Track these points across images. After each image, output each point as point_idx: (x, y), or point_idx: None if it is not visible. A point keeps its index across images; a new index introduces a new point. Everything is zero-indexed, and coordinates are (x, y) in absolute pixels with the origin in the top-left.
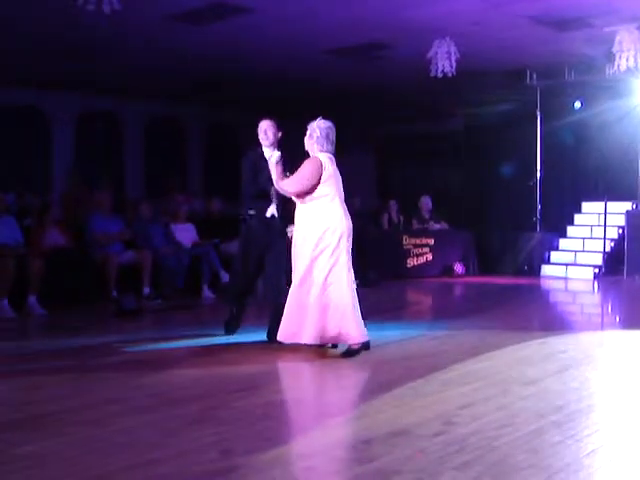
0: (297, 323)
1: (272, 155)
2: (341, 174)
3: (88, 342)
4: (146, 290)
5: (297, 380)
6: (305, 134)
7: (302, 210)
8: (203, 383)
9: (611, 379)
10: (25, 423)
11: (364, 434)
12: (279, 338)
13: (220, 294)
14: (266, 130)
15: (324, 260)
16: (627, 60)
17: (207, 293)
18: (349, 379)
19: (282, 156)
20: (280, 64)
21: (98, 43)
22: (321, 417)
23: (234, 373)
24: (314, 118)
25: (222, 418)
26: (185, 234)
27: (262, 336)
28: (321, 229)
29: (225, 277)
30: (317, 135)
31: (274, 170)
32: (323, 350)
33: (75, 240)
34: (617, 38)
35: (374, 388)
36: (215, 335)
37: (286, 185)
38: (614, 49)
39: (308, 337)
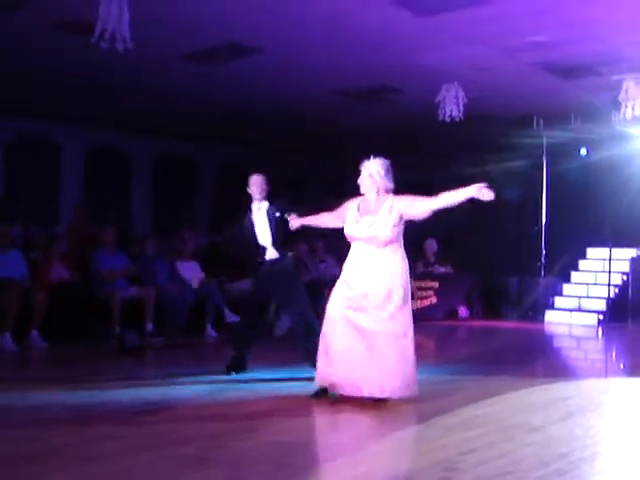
0: (410, 375)
1: None
2: None
3: (90, 378)
4: (149, 327)
5: (297, 422)
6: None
7: (389, 255)
8: (203, 423)
9: (616, 427)
10: (27, 459)
11: (365, 479)
12: (396, 396)
13: (224, 333)
14: (252, 185)
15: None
16: (633, 109)
17: (210, 332)
18: (350, 422)
19: (272, 208)
20: (288, 105)
21: (110, 81)
22: (321, 461)
23: (235, 414)
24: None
25: (221, 459)
26: (190, 272)
27: (263, 376)
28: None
29: (229, 316)
30: (390, 173)
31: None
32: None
33: (79, 275)
34: (624, 87)
35: (375, 432)
36: (217, 374)
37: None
38: (620, 97)
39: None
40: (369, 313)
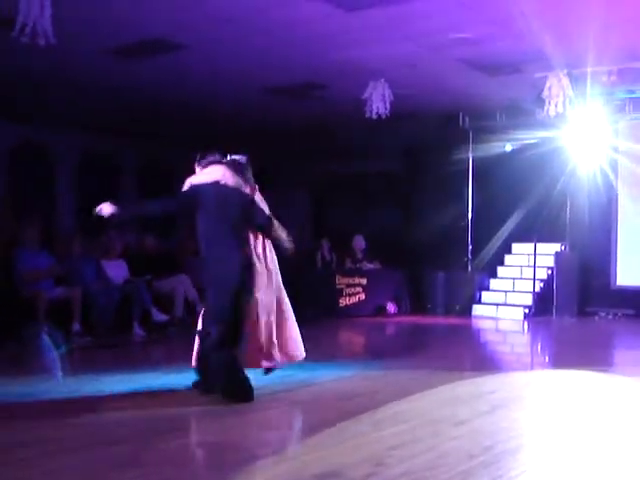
0: None
1: None
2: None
3: (16, 380)
4: (76, 327)
5: (226, 421)
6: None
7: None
8: (130, 424)
9: (539, 419)
10: None
11: (294, 475)
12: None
13: (151, 332)
14: None
15: None
16: (556, 106)
17: (138, 330)
18: (279, 419)
19: None
20: (216, 100)
21: (33, 75)
22: (250, 459)
23: (161, 414)
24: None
25: (148, 460)
26: (116, 270)
27: (193, 376)
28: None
29: (157, 314)
30: None
31: None
32: None
33: (4, 274)
34: (547, 84)
35: (305, 428)
36: (145, 374)
37: None
38: (544, 95)
39: None
40: None
